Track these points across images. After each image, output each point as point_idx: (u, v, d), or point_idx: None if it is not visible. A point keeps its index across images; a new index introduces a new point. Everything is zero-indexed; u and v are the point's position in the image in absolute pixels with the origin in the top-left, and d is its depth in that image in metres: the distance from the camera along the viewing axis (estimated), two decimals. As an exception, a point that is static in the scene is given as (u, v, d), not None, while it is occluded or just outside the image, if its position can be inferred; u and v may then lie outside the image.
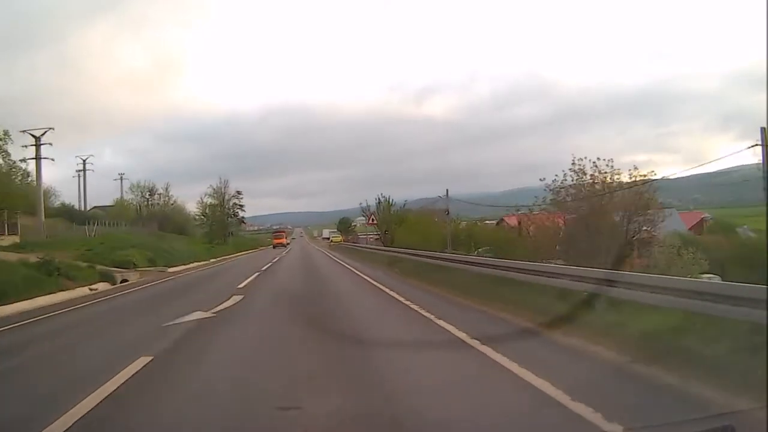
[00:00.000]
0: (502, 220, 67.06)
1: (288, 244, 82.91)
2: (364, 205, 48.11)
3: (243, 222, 74.41)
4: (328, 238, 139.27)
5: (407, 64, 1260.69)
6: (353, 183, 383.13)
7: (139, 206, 78.62)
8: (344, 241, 76.06)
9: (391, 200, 46.68)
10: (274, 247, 69.07)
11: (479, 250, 38.39)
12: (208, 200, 70.81)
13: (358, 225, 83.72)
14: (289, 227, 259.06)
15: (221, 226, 69.85)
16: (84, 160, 73.76)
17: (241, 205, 72.32)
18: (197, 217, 72.14)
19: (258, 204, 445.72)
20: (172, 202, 78.97)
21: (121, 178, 77.21)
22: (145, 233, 58.88)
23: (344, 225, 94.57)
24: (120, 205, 76.17)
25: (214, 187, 71.11)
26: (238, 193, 71.90)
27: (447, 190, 50.00)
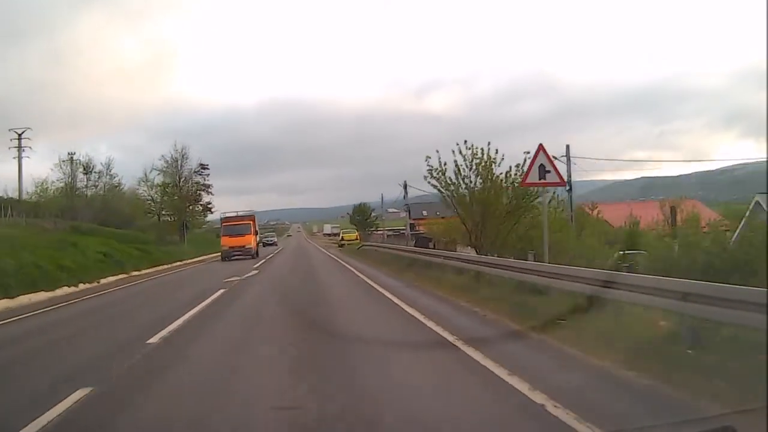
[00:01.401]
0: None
1: (272, 243, 58.11)
2: (434, 163, 19.78)
3: (209, 210, 48.67)
4: (335, 235, 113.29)
5: (408, 60, 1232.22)
6: (353, 180, 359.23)
7: (69, 190, 53.07)
8: (360, 241, 49.90)
9: (495, 156, 19.10)
10: (224, 258, 33.82)
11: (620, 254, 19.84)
12: (158, 178, 45.35)
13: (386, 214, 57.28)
14: (286, 222, 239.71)
15: (178, 216, 44.43)
16: (19, 135, 49.49)
17: (207, 185, 46.74)
18: (147, 203, 46.60)
19: (255, 200, 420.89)
20: (116, 183, 53.39)
21: (72, 159, 51.53)
22: (43, 229, 34.76)
23: (361, 215, 62.26)
24: (43, 191, 51.29)
25: (167, 158, 45.56)
26: (203, 167, 46.51)
27: (567, 147, 26.90)
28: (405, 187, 58.62)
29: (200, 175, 46.39)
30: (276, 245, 56.08)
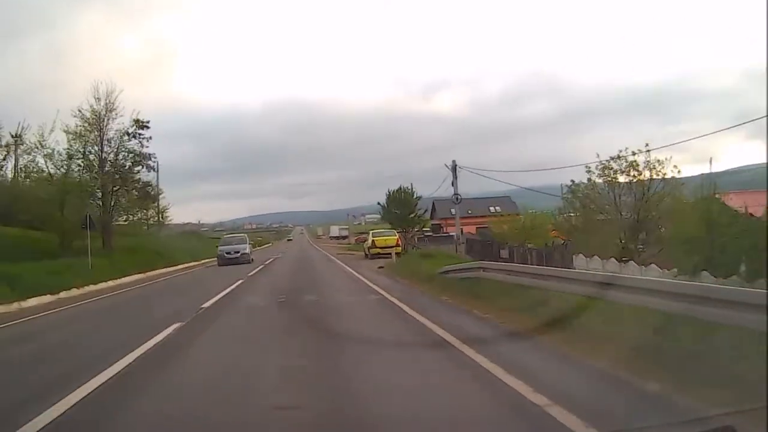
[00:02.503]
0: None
1: (235, 259, 28.49)
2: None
3: (150, 197, 28.24)
4: (343, 238, 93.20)
5: (414, 60, 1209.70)
6: (356, 182, 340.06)
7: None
8: (402, 247, 29.50)
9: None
10: None
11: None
12: (63, 143, 25.88)
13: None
14: (289, 225, 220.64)
15: (103, 204, 25.41)
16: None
17: (147, 156, 26.87)
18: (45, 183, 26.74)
19: (258, 203, 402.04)
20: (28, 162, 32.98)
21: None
22: None
23: (401, 206, 36.90)
24: None
25: (85, 112, 25.85)
26: (140, 125, 26.58)
27: None
28: (454, 170, 38.85)
29: (135, 138, 26.44)
30: (249, 262, 28.52)
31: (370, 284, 14.22)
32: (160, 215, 42.51)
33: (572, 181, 27.64)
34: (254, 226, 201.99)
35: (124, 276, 22.57)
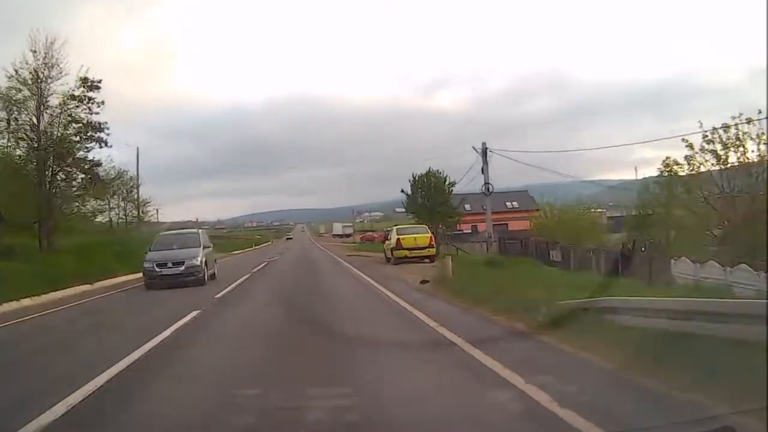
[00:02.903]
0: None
1: (200, 271, 15.71)
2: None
3: (101, 181, 21.26)
4: (347, 236, 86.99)
5: (417, 56, 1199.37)
6: (359, 180, 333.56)
7: None
8: (435, 246, 22.20)
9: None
10: None
11: None
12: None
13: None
14: (291, 223, 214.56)
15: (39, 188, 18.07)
16: None
17: (99, 126, 19.80)
18: None
19: (260, 202, 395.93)
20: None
21: None
22: None
23: (430, 196, 28.00)
24: None
25: (19, 69, 18.72)
26: (87, 85, 19.50)
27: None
28: (484, 154, 32.62)
29: (83, 103, 19.51)
30: (203, 283, 16.02)
31: (447, 334, 6.71)
32: (140, 210, 35.88)
33: (667, 158, 20.80)
34: (255, 224, 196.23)
35: (54, 290, 15.69)
